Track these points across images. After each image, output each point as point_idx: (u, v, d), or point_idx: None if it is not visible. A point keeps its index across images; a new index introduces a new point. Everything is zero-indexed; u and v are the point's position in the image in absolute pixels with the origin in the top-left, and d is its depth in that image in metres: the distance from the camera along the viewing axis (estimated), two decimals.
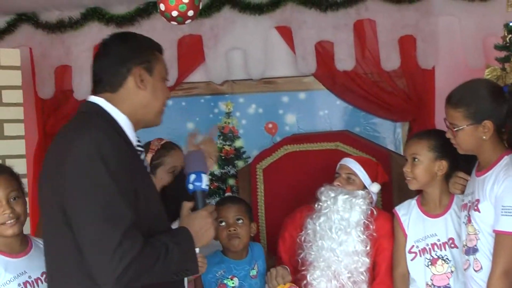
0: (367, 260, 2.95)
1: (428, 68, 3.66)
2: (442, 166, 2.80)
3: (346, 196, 2.97)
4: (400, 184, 3.36)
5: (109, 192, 1.85)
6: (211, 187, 3.89)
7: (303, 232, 2.99)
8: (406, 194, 3.16)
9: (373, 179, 3.08)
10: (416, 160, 2.82)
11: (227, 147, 3.89)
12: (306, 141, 3.60)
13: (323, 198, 2.98)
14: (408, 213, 2.91)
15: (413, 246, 2.87)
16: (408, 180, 2.87)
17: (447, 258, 2.83)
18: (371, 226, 2.97)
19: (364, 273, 2.96)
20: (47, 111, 3.89)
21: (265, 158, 3.63)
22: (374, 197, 3.08)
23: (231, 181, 3.89)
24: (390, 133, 3.81)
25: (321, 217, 2.96)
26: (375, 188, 3.06)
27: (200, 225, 2.05)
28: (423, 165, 2.80)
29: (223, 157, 3.88)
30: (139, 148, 2.09)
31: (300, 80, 3.83)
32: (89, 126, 1.93)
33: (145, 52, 2.04)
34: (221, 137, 3.89)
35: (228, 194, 3.89)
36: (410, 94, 3.68)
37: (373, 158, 3.29)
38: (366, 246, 2.95)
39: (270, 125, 3.87)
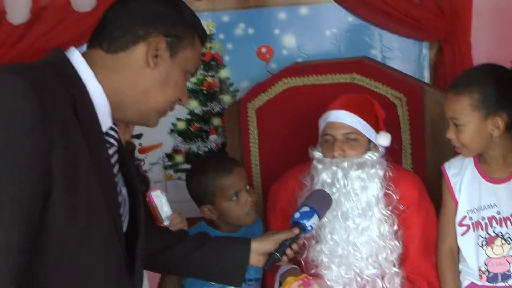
0: (398, 244, 2.17)
1: None
2: (499, 122, 1.98)
3: (360, 170, 2.14)
4: (434, 128, 2.52)
5: None
6: (192, 129, 3.03)
7: None
8: (443, 142, 2.33)
9: (375, 126, 2.23)
10: (458, 125, 2.00)
11: (209, 79, 3.00)
12: (312, 72, 2.69)
13: (324, 180, 2.15)
14: (461, 173, 2.17)
15: (464, 217, 2.15)
16: (458, 149, 2.07)
17: (509, 237, 2.07)
18: (395, 196, 2.17)
19: (395, 262, 2.17)
20: None
21: (258, 95, 2.73)
22: (383, 150, 2.24)
23: (216, 121, 3.03)
24: (413, 56, 2.93)
25: None
26: (385, 140, 2.22)
27: None
28: (470, 130, 2.02)
29: (205, 92, 3.00)
30: (110, 140, 1.38)
31: None
32: (14, 73, 1.19)
33: (181, 26, 1.42)
34: (202, 67, 2.98)
35: (212, 136, 3.02)
36: (442, 5, 2.81)
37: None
38: (393, 225, 2.16)
39: (264, 50, 2.96)
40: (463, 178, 2.14)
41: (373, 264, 2.13)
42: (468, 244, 2.13)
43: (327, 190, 2.10)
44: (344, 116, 2.18)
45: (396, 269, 2.15)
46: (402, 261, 2.20)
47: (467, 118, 2.00)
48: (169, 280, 2.30)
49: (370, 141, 2.21)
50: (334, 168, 2.15)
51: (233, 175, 2.22)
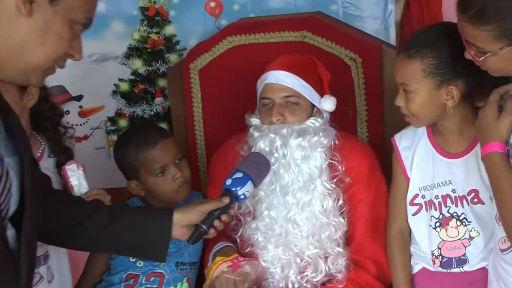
0: (343, 220, 1.95)
1: None
2: (453, 92, 1.73)
3: (301, 138, 1.89)
4: (394, 93, 2.22)
5: None
6: (136, 91, 2.75)
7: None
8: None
9: (319, 89, 1.98)
10: (408, 92, 1.75)
11: (154, 36, 2.70)
12: (259, 29, 2.40)
13: (261, 149, 1.91)
14: (413, 146, 1.93)
15: (416, 195, 1.92)
16: (408, 118, 1.82)
17: (464, 218, 1.84)
18: (340, 167, 1.96)
19: (340, 240, 1.93)
20: None
21: (201, 54, 2.45)
22: (327, 116, 2.00)
23: (162, 82, 2.74)
24: (378, 13, 2.61)
25: None
26: (329, 104, 1.97)
27: None
28: (421, 98, 1.78)
29: (149, 50, 2.71)
30: None
31: None
32: None
33: None
34: (146, 23, 2.69)
35: (158, 99, 2.74)
36: None
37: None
38: (338, 200, 1.92)
39: (213, 4, 2.65)
40: (415, 151, 1.91)
41: (314, 243, 1.92)
42: (420, 225, 1.91)
43: None
44: (284, 77, 1.94)
45: (340, 249, 1.94)
46: (348, 241, 1.98)
47: (418, 85, 1.75)
48: (97, 260, 2.11)
49: (313, 106, 1.97)
50: (272, 135, 1.92)
51: (158, 148, 2.01)
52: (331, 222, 1.92)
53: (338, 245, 1.94)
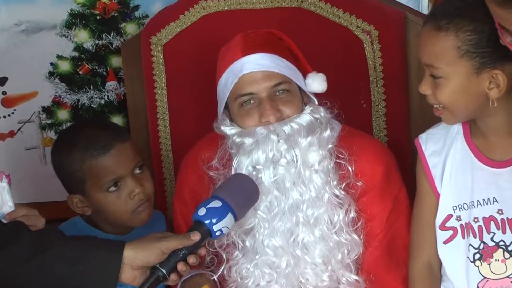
0: (357, 238, 1.97)
1: None
2: (499, 78, 1.74)
3: (310, 136, 1.92)
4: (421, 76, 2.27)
5: None
6: (80, 73, 2.80)
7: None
8: None
9: (296, 65, 2.03)
10: (436, 77, 1.78)
11: None
12: None
13: (261, 162, 1.93)
14: (445, 150, 1.94)
15: (450, 216, 1.92)
16: (437, 110, 1.86)
17: None
18: (350, 168, 1.99)
19: (352, 265, 1.98)
20: None
21: (165, 25, 2.49)
22: (315, 100, 2.04)
23: (116, 61, 2.80)
24: None
25: (262, 197, 1.91)
26: (320, 83, 2.01)
27: None
28: (453, 85, 1.77)
29: (98, 18, 2.76)
30: None
31: None
32: None
33: None
34: None
35: (111, 83, 2.79)
36: None
37: None
38: (349, 211, 1.98)
39: None
40: (447, 158, 1.91)
41: (329, 272, 1.95)
42: (454, 256, 1.91)
43: (266, 176, 1.90)
44: (266, 60, 1.95)
45: (354, 276, 1.97)
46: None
47: (450, 68, 1.73)
48: None
49: (300, 91, 2.00)
50: (273, 137, 1.90)
51: (112, 154, 2.00)
52: (342, 241, 1.94)
53: (351, 271, 1.97)
